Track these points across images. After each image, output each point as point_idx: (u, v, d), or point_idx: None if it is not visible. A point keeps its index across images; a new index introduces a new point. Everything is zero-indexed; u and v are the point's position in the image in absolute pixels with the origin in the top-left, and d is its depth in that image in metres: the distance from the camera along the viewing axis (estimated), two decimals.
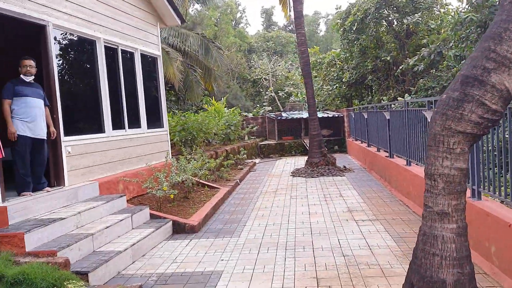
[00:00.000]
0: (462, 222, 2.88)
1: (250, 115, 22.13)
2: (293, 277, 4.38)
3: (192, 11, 28.24)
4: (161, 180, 7.06)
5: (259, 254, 5.18)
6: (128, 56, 8.21)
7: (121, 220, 5.63)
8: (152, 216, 6.53)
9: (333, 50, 22.08)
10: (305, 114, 18.60)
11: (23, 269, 3.95)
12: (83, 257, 4.70)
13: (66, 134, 6.17)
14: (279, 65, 32.62)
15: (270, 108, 24.63)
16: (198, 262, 5.03)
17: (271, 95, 28.24)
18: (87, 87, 7.10)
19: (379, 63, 16.61)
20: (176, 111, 14.81)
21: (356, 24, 16.29)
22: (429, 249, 2.89)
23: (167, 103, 12.02)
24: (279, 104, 27.06)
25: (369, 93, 18.28)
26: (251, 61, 35.50)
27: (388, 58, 15.48)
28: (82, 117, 6.91)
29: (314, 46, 30.77)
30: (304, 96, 23.24)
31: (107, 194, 6.63)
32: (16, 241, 4.37)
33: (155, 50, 9.36)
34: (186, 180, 7.79)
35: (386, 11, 16.00)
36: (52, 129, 5.82)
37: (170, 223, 6.37)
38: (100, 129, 7.11)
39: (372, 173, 10.71)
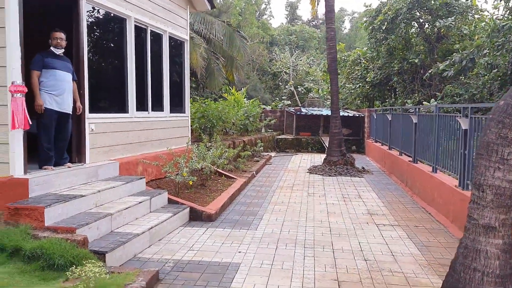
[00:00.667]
0: (508, 238, 2.71)
1: (269, 107, 21.96)
2: (313, 277, 4.25)
3: None
4: (181, 166, 6.97)
5: (277, 249, 5.06)
6: (156, 38, 8.11)
7: (140, 203, 5.56)
8: (170, 201, 6.45)
9: (357, 48, 21.71)
10: (324, 111, 18.39)
11: (41, 244, 3.90)
12: (101, 237, 4.63)
13: (90, 111, 6.11)
14: (301, 60, 32.32)
15: (289, 102, 24.41)
16: (215, 252, 4.93)
17: (290, 89, 28.01)
18: (114, 65, 7.02)
19: (406, 65, 16.25)
20: (197, 98, 14.70)
21: (386, 23, 15.93)
22: (470, 264, 2.73)
23: None
24: (297, 99, 26.82)
25: (393, 95, 17.94)
26: (273, 53, 35.24)
27: (416, 61, 15.13)
28: (107, 95, 6.84)
29: (340, 43, 30.23)
30: (324, 93, 22.99)
31: (126, 174, 6.57)
32: (36, 215, 4.31)
33: (183, 34, 9.24)
34: (204, 168, 7.69)
35: (418, 12, 15.61)
36: (79, 104, 5.76)
37: (188, 209, 6.29)
38: (123, 109, 7.04)
39: (392, 176, 10.49)
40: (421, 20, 16.26)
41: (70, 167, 5.63)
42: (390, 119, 11.57)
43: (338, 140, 11.58)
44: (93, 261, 3.75)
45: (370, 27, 17.06)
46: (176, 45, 9.08)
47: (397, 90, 17.39)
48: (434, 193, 6.95)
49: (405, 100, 15.82)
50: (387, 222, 6.34)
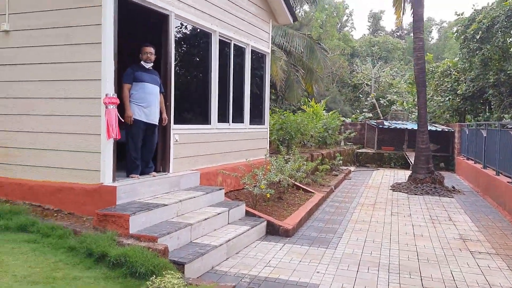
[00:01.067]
0: None
1: (349, 120, 21.38)
2: None
3: (299, 12, 28.09)
4: (259, 178, 6.93)
5: (358, 272, 4.77)
6: (239, 51, 8.23)
7: (218, 214, 5.59)
8: (247, 213, 6.42)
9: (447, 59, 20.38)
10: (409, 125, 17.45)
11: (125, 251, 4.02)
12: (181, 247, 4.70)
13: (175, 122, 6.31)
14: (384, 71, 31.18)
15: (370, 115, 23.57)
16: (292, 270, 4.76)
17: (372, 101, 27.09)
18: (199, 78, 7.22)
19: (503, 77, 14.88)
20: (277, 110, 14.73)
21: (480, 32, 14.77)
22: None
23: None
24: (379, 111, 25.83)
25: (487, 109, 16.52)
26: (354, 65, 34.45)
27: None
28: (191, 107, 7.04)
29: (428, 54, 28.52)
30: (409, 105, 21.88)
31: (206, 185, 6.68)
32: (122, 222, 4.49)
33: (265, 47, 9.30)
34: (282, 181, 7.59)
35: None
36: (165, 115, 5.97)
37: (265, 223, 6.21)
38: (206, 120, 7.19)
39: (487, 198, 9.56)
40: None
41: (154, 176, 5.83)
42: (485, 135, 10.59)
43: (426, 156, 10.84)
44: (172, 272, 3.78)
45: (462, 37, 15.94)
46: (258, 58, 9.15)
47: (492, 103, 15.98)
48: None
49: (502, 115, 14.47)
50: (483, 250, 5.72)
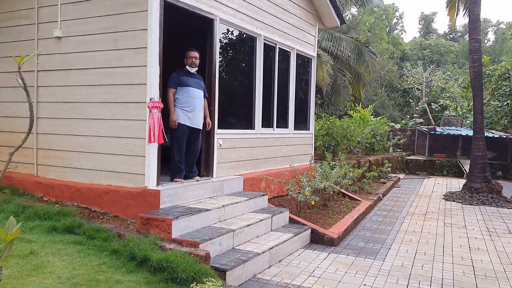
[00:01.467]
0: None
1: (398, 126, 20.64)
2: None
3: (347, 15, 27.61)
4: (304, 184, 6.76)
5: (408, 287, 4.48)
6: (284, 55, 8.12)
7: (261, 220, 5.47)
8: (291, 221, 6.26)
9: (505, 62, 19.21)
10: (463, 131, 16.58)
11: (167, 256, 3.99)
12: (222, 253, 4.62)
13: (219, 127, 6.29)
14: (436, 75, 29.94)
15: (421, 120, 22.65)
16: (337, 281, 4.55)
17: (423, 106, 26.05)
18: (243, 82, 7.18)
19: None
20: (323, 115, 14.47)
21: None
22: None
23: None
24: (430, 117, 24.79)
25: None
26: (403, 69, 33.37)
27: None
28: (235, 111, 7.00)
29: (484, 56, 26.93)
30: (464, 110, 20.85)
31: (249, 190, 6.59)
32: (164, 226, 4.48)
33: (311, 51, 9.13)
34: (327, 188, 7.36)
35: None
36: (208, 120, 5.96)
37: (309, 231, 6.02)
38: (250, 125, 7.13)
39: None
40: None
41: (198, 181, 5.82)
42: None
43: (482, 164, 10.19)
44: (213, 279, 3.70)
45: None
46: (303, 62, 8.99)
47: None
48: None
49: None
50: None
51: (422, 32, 55.42)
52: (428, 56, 40.74)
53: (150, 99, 4.98)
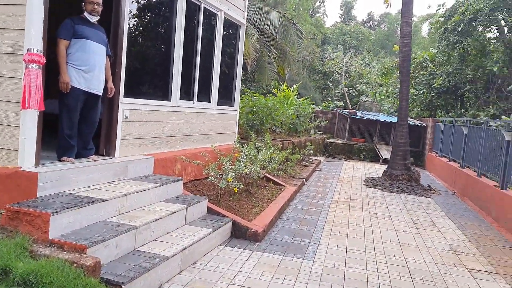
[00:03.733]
0: None
1: (320, 108, 20.56)
2: None
3: None
4: (226, 168, 5.86)
5: None
6: (210, 18, 7.03)
7: (173, 213, 4.48)
8: (209, 211, 5.35)
9: (424, 51, 19.85)
10: (382, 117, 16.83)
11: (37, 267, 2.88)
12: (120, 257, 3.58)
13: (126, 95, 5.10)
14: (355, 60, 30.60)
15: (342, 103, 22.89)
16: None
17: (342, 90, 26.42)
18: (159, 44, 5.99)
19: (478, 74, 14.41)
20: (248, 91, 13.63)
21: (462, 25, 14.17)
22: None
23: None
24: (348, 101, 25.22)
25: (459, 105, 16.08)
26: (325, 52, 33.72)
27: (495, 69, 13.28)
28: (147, 78, 5.81)
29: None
30: (382, 96, 21.35)
31: (162, 173, 5.54)
32: (39, 223, 3.31)
33: (240, 17, 8.13)
34: (252, 172, 6.54)
35: (501, 14, 13.74)
36: (111, 84, 4.75)
37: (230, 223, 5.17)
38: (165, 96, 6.01)
39: (466, 201, 8.94)
40: (503, 24, 14.35)
41: (95, 161, 4.64)
42: (465, 132, 9.97)
43: (403, 151, 10.11)
44: None
45: (443, 28, 15.32)
46: (231, 29, 7.98)
47: (464, 100, 15.54)
48: None
49: (477, 112, 14.02)
50: (481, 267, 4.94)
51: (342, 18, 56.76)
52: (347, 42, 41.68)
53: (28, 50, 3.68)
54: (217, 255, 4.53)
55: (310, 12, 47.62)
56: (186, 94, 6.49)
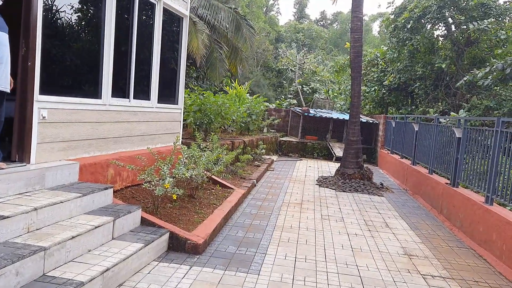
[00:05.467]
0: None
1: (273, 106, 20.27)
2: None
3: None
4: (164, 173, 5.30)
5: None
6: (147, 7, 6.42)
7: (96, 227, 3.87)
8: (144, 222, 4.78)
9: (375, 48, 20.03)
10: (334, 114, 16.76)
11: None
12: (22, 286, 2.96)
13: (42, 91, 4.42)
14: (308, 58, 30.66)
15: (295, 101, 22.75)
16: None
17: (296, 88, 26.34)
18: (86, 34, 5.31)
19: (428, 71, 14.62)
20: (195, 89, 13.05)
21: (411, 22, 14.29)
22: None
23: (186, 79, 10.20)
24: (301, 98, 25.17)
25: (410, 102, 16.31)
26: (278, 49, 33.61)
27: (443, 66, 13.48)
28: (71, 73, 5.11)
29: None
30: (335, 94, 21.39)
31: (90, 180, 4.91)
32: None
33: (183, 8, 7.55)
34: (195, 176, 6.01)
35: (448, 12, 13.97)
36: (9, 77, 4.04)
37: (167, 235, 4.62)
38: (95, 93, 5.35)
39: (417, 198, 8.85)
40: (450, 21, 14.64)
41: (2, 168, 3.95)
42: (416, 129, 9.92)
43: (356, 149, 9.92)
44: None
45: (393, 25, 15.42)
46: (173, 21, 7.39)
47: (414, 96, 15.76)
48: (491, 232, 5.31)
49: (426, 109, 14.20)
50: (435, 272, 4.69)
51: (296, 16, 57.12)
52: (301, 40, 41.88)
53: None
54: (149, 273, 3.98)
55: (264, 10, 47.49)
56: (120, 91, 5.85)
